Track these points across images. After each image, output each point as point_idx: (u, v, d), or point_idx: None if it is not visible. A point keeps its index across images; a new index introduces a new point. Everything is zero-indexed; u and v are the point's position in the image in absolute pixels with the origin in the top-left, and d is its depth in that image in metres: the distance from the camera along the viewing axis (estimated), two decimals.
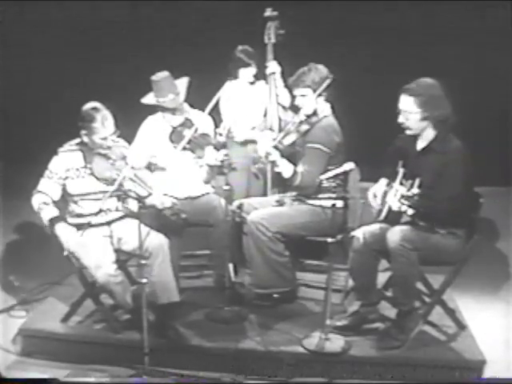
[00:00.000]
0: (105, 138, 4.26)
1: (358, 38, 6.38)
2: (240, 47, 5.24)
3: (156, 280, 4.18)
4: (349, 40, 6.37)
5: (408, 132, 4.16)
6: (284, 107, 5.16)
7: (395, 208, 3.92)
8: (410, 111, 4.08)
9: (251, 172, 5.21)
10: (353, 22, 6.41)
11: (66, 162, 4.31)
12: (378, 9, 6.31)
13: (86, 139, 4.30)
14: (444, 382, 4.08)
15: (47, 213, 4.24)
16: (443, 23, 6.29)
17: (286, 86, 5.18)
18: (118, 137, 4.37)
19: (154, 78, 4.61)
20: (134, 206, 4.32)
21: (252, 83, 5.31)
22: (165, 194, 4.43)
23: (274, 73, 5.14)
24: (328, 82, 4.46)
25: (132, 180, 4.22)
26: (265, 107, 5.30)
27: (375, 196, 4.18)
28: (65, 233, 4.24)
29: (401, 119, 4.13)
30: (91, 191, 4.32)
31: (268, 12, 5.16)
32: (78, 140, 4.36)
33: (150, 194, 4.26)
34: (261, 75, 5.26)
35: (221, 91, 4.47)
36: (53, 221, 4.23)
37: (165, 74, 4.62)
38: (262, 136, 4.74)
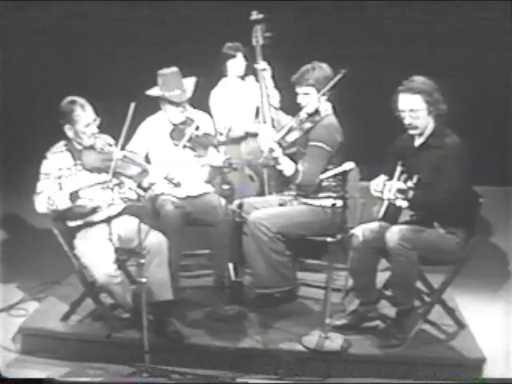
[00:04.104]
0: (88, 125, 4.28)
1: (357, 38, 6.40)
2: (227, 44, 5.31)
3: (152, 278, 4.17)
4: (347, 39, 6.39)
5: (413, 132, 4.15)
6: (275, 107, 5.20)
7: (391, 198, 3.93)
8: (417, 109, 4.07)
9: (246, 174, 5.22)
10: (351, 21, 6.44)
11: (57, 163, 4.32)
12: (377, 7, 6.34)
13: (70, 134, 4.32)
14: (444, 381, 4.09)
15: (62, 194, 4.19)
16: (443, 22, 6.32)
17: (276, 86, 5.23)
18: (99, 129, 4.37)
19: (161, 71, 4.64)
20: (131, 193, 4.35)
21: (242, 78, 5.34)
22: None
23: (264, 69, 5.17)
24: (335, 81, 4.45)
25: (122, 160, 4.26)
26: (256, 106, 5.33)
27: (377, 186, 4.16)
28: (93, 194, 4.25)
29: (408, 120, 4.11)
30: (86, 186, 4.32)
31: (254, 15, 5.21)
32: (63, 142, 4.38)
33: (143, 171, 4.30)
34: (250, 71, 5.30)
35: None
36: (74, 195, 4.18)
37: (173, 69, 4.64)
38: (264, 130, 4.75)
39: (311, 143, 4.51)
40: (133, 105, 4.12)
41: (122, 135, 4.22)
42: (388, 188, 3.98)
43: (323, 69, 4.52)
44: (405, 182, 4.01)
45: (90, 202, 4.27)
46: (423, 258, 4.08)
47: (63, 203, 4.18)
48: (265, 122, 5.12)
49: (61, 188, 4.31)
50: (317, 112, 4.57)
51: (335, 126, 4.56)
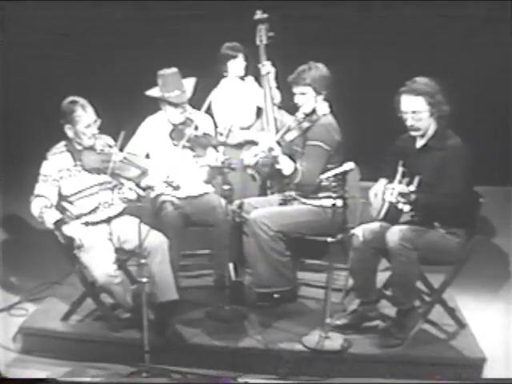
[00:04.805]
0: (89, 126, 4.28)
1: (357, 38, 6.41)
2: (226, 44, 5.30)
3: (155, 279, 4.19)
4: (346, 40, 6.40)
5: (415, 133, 4.14)
6: (278, 107, 5.20)
7: (392, 202, 3.93)
8: (420, 111, 4.06)
9: (247, 174, 5.22)
10: (351, 22, 6.44)
11: (56, 164, 4.33)
12: (375, 7, 6.35)
13: (70, 134, 4.32)
14: (444, 381, 4.08)
15: (50, 216, 4.22)
16: (443, 23, 6.32)
17: (278, 86, 5.23)
18: (99, 130, 4.38)
19: (161, 72, 4.64)
20: (130, 193, 4.34)
21: (242, 78, 5.34)
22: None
23: (269, 73, 5.18)
24: (328, 81, 4.48)
25: (122, 162, 4.27)
26: (256, 106, 5.33)
27: (376, 195, 4.18)
28: (76, 231, 4.23)
29: (410, 121, 4.09)
30: (85, 187, 4.35)
31: (258, 15, 5.20)
32: (64, 142, 4.39)
33: (143, 173, 4.30)
34: (250, 71, 5.30)
35: (214, 91, 4.48)
36: (58, 223, 4.21)
37: (173, 70, 4.64)
38: (262, 136, 4.76)
39: (309, 143, 4.52)
40: (122, 133, 4.16)
41: (112, 158, 4.25)
42: (390, 191, 3.97)
43: (319, 68, 4.54)
44: (407, 185, 3.99)
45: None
46: (423, 258, 4.08)
47: (49, 224, 4.21)
48: (268, 123, 5.13)
49: (60, 191, 4.33)
50: (314, 111, 4.58)
51: (333, 125, 4.57)
